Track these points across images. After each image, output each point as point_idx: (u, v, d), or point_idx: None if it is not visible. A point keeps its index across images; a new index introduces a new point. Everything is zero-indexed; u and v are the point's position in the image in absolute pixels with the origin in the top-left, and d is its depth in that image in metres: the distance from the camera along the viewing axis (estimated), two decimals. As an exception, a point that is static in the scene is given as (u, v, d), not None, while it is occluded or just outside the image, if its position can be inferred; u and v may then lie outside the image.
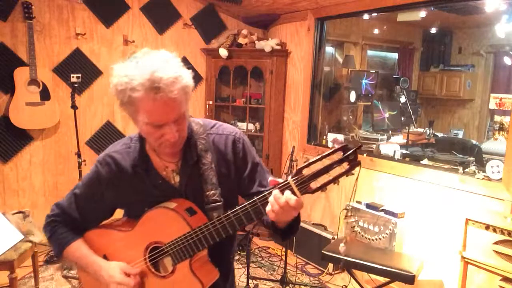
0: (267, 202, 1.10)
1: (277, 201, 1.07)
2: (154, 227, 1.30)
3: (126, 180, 1.32)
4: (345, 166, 1.03)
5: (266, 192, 1.12)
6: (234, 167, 1.33)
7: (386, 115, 4.97)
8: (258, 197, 1.13)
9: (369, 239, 3.20)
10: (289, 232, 1.24)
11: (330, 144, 4.07)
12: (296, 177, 1.06)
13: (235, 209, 1.17)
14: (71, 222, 1.41)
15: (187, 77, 1.15)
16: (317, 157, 1.05)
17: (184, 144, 1.28)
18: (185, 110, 1.17)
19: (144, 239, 1.33)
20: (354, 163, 1.03)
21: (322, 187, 1.05)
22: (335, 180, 1.05)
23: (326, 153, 1.05)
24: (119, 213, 1.48)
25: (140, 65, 1.10)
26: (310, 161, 1.05)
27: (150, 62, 1.10)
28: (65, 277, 3.33)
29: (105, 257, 1.39)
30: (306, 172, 1.06)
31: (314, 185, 1.05)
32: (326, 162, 1.05)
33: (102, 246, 1.40)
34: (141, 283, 1.33)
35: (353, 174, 1.06)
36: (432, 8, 4.19)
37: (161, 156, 1.31)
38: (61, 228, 1.42)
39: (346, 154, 1.02)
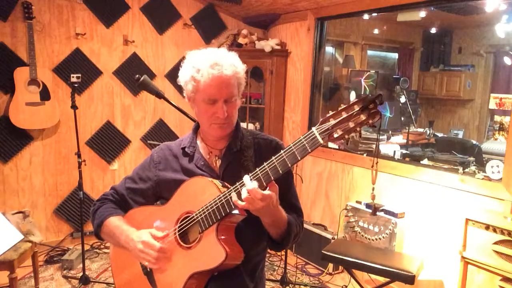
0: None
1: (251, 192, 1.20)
2: (187, 196, 1.37)
3: (174, 162, 1.50)
4: (364, 116, 1.08)
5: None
6: None
7: (388, 114, 4.97)
8: (283, 151, 1.19)
9: (369, 239, 3.20)
10: (281, 243, 1.40)
11: (330, 144, 4.07)
12: (319, 127, 1.13)
13: (262, 166, 1.22)
14: (120, 201, 1.56)
15: (241, 69, 1.40)
16: (339, 109, 1.11)
17: (231, 134, 1.46)
18: (237, 96, 1.39)
19: (177, 210, 1.39)
20: (373, 112, 1.08)
21: (343, 135, 1.10)
22: (355, 128, 1.09)
23: (347, 105, 1.11)
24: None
25: (205, 52, 1.39)
26: (332, 113, 1.12)
27: (214, 51, 1.39)
28: (65, 277, 3.33)
29: None
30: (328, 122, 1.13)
31: (336, 133, 1.11)
32: (349, 113, 1.10)
33: (140, 222, 1.46)
34: (168, 250, 1.36)
35: (374, 126, 1.10)
36: (432, 8, 4.19)
37: (208, 143, 1.48)
38: (108, 204, 1.55)
39: (364, 104, 1.08)
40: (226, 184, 1.34)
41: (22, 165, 3.73)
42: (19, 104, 3.49)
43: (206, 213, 1.30)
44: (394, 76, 5.68)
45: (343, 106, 1.11)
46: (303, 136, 1.15)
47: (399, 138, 4.69)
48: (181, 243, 1.37)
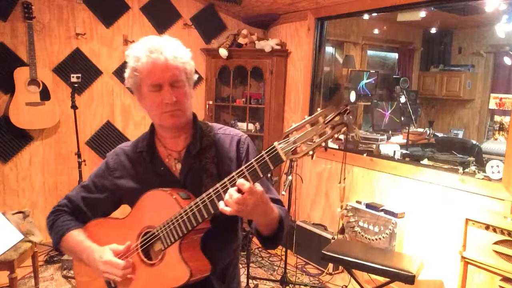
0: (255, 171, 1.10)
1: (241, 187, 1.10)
2: (147, 211, 1.30)
3: (131, 168, 1.40)
4: (329, 130, 1.01)
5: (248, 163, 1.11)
6: (235, 166, 1.34)
7: (389, 112, 4.97)
8: (244, 166, 1.11)
9: (369, 239, 3.20)
10: (272, 240, 1.28)
11: (330, 144, 4.07)
12: (282, 142, 1.05)
13: (223, 181, 1.14)
14: (76, 212, 1.45)
15: (184, 53, 1.31)
16: (302, 121, 1.04)
17: (189, 135, 1.36)
18: (184, 82, 1.30)
19: (137, 224, 1.32)
20: (339, 124, 1.01)
21: (307, 152, 1.03)
22: (320, 143, 1.02)
23: (310, 117, 1.04)
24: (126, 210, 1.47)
25: (142, 41, 1.33)
26: (295, 125, 1.05)
27: (151, 38, 1.33)
28: (65, 277, 3.33)
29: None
30: (292, 136, 1.06)
31: (300, 149, 1.04)
32: (313, 126, 1.03)
33: (100, 235, 1.39)
34: (133, 265, 1.30)
35: (340, 139, 1.05)
36: (432, 8, 4.19)
37: (166, 145, 1.38)
38: (64, 216, 1.45)
39: (328, 119, 1.01)
40: (190, 194, 1.27)
41: (22, 165, 3.73)
42: (19, 104, 3.49)
43: (168, 230, 1.23)
44: (394, 76, 5.67)
45: (307, 118, 1.04)
46: (265, 151, 1.08)
47: (399, 138, 4.69)
48: (145, 259, 1.30)
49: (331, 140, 1.02)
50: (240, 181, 1.09)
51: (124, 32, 4.08)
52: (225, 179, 1.14)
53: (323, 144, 1.02)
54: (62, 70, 3.80)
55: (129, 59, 1.31)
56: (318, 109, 1.04)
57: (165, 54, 1.26)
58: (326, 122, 1.02)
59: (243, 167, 1.11)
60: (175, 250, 1.23)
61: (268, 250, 4.03)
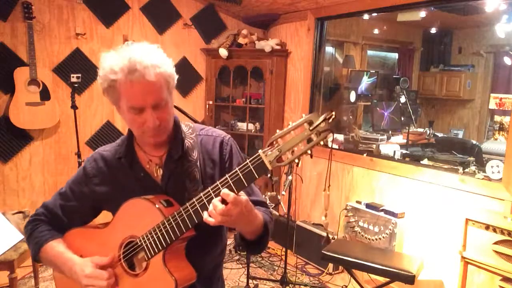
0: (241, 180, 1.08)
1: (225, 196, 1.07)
2: (129, 220, 1.26)
3: (110, 174, 1.34)
4: (314, 136, 0.99)
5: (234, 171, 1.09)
6: (219, 168, 1.32)
7: (388, 111, 4.97)
8: (228, 175, 1.09)
9: (369, 239, 3.20)
10: (257, 245, 1.26)
11: (330, 144, 4.07)
12: (267, 150, 1.03)
13: (207, 190, 1.12)
14: (54, 221, 1.40)
15: (166, 65, 1.18)
16: (287, 128, 1.02)
17: (170, 139, 1.29)
18: (167, 98, 1.19)
19: (119, 234, 1.28)
20: (324, 132, 0.99)
21: (293, 160, 1.01)
22: (306, 151, 1.00)
23: (295, 124, 1.02)
24: (107, 216, 1.43)
25: (121, 53, 1.16)
26: (279, 132, 1.03)
27: (130, 50, 1.16)
28: (65, 277, 3.33)
29: (82, 257, 1.33)
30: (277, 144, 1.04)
31: (285, 157, 1.02)
32: (297, 134, 1.01)
33: (80, 245, 1.35)
34: (115, 276, 1.26)
35: (325, 145, 1.03)
36: (432, 8, 4.19)
37: (146, 150, 1.32)
38: (42, 227, 1.39)
39: (313, 126, 0.99)
40: (172, 200, 1.23)
41: (22, 165, 3.73)
42: (19, 104, 3.49)
43: (151, 239, 1.19)
44: (394, 76, 5.68)
45: (292, 124, 1.02)
46: (249, 160, 1.05)
47: (399, 138, 4.69)
48: (128, 270, 1.26)
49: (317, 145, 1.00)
50: (225, 191, 1.06)
51: (124, 32, 4.08)
52: (209, 188, 1.11)
53: (309, 152, 1.00)
54: (62, 70, 3.80)
55: (103, 71, 1.17)
56: (303, 115, 1.02)
57: (148, 77, 1.12)
58: (311, 129, 0.99)
59: (227, 175, 1.09)
60: (159, 261, 1.19)
61: (268, 250, 4.03)
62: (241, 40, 4.36)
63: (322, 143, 1.00)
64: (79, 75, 3.46)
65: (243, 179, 1.06)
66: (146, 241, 1.21)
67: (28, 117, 3.54)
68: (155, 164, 1.32)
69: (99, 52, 3.95)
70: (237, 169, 1.07)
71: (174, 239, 1.17)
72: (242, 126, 4.46)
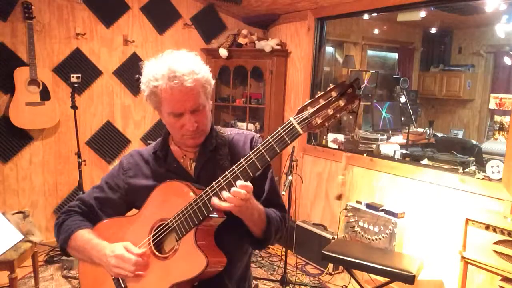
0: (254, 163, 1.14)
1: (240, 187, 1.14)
2: (160, 203, 1.30)
3: (144, 167, 1.42)
4: (342, 102, 1.05)
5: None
6: None
7: (386, 114, 4.98)
8: (261, 144, 1.14)
9: (369, 239, 3.20)
10: (261, 242, 1.32)
11: (330, 144, 4.08)
12: (297, 116, 1.08)
13: (238, 163, 1.17)
14: (88, 213, 1.45)
15: (204, 71, 1.28)
16: (316, 96, 1.08)
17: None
18: (204, 103, 1.29)
19: (150, 218, 1.31)
20: (352, 96, 1.04)
21: (323, 123, 1.07)
22: (335, 115, 1.06)
23: (324, 92, 1.08)
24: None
25: (161, 61, 1.26)
26: (309, 101, 1.08)
27: (170, 58, 1.26)
28: (65, 277, 3.33)
29: None
30: (307, 111, 1.09)
31: (315, 122, 1.07)
32: (327, 100, 1.07)
33: (110, 234, 1.37)
34: (145, 262, 1.27)
35: (354, 111, 1.07)
36: (432, 8, 4.19)
37: (182, 146, 1.40)
38: (75, 216, 1.44)
39: (342, 90, 1.05)
40: (202, 186, 1.26)
41: (22, 165, 3.73)
42: (19, 104, 3.49)
43: (182, 218, 1.22)
44: (394, 76, 5.69)
45: (320, 93, 1.08)
46: (280, 127, 1.10)
47: (399, 138, 4.69)
48: (157, 253, 1.28)
49: (341, 119, 1.07)
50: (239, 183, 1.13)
51: (124, 32, 4.08)
52: (242, 160, 1.16)
53: (338, 115, 1.05)
54: (62, 70, 3.80)
55: (145, 78, 1.27)
56: (331, 84, 1.07)
57: (186, 83, 1.22)
58: (339, 94, 1.05)
59: (260, 145, 1.13)
60: (190, 240, 1.21)
61: (268, 250, 4.03)
62: (241, 40, 4.36)
63: (350, 107, 1.05)
64: (79, 75, 3.46)
65: (274, 146, 1.11)
66: (177, 221, 1.24)
67: (28, 117, 3.54)
68: (189, 159, 1.40)
69: (99, 52, 3.99)
70: (268, 137, 1.12)
71: (206, 214, 1.19)
72: (242, 126, 4.46)
